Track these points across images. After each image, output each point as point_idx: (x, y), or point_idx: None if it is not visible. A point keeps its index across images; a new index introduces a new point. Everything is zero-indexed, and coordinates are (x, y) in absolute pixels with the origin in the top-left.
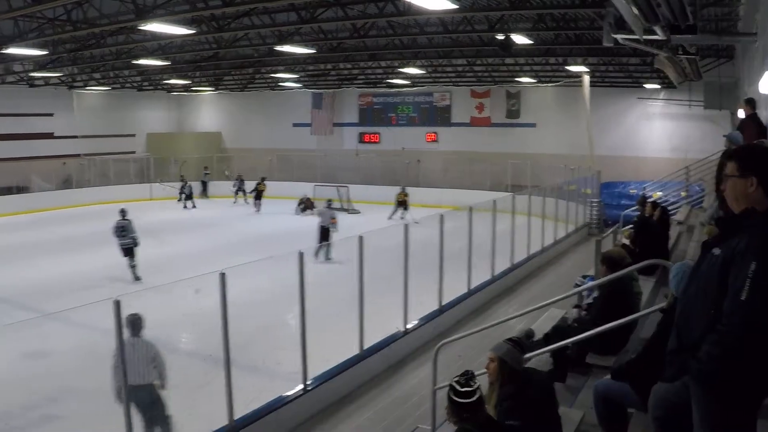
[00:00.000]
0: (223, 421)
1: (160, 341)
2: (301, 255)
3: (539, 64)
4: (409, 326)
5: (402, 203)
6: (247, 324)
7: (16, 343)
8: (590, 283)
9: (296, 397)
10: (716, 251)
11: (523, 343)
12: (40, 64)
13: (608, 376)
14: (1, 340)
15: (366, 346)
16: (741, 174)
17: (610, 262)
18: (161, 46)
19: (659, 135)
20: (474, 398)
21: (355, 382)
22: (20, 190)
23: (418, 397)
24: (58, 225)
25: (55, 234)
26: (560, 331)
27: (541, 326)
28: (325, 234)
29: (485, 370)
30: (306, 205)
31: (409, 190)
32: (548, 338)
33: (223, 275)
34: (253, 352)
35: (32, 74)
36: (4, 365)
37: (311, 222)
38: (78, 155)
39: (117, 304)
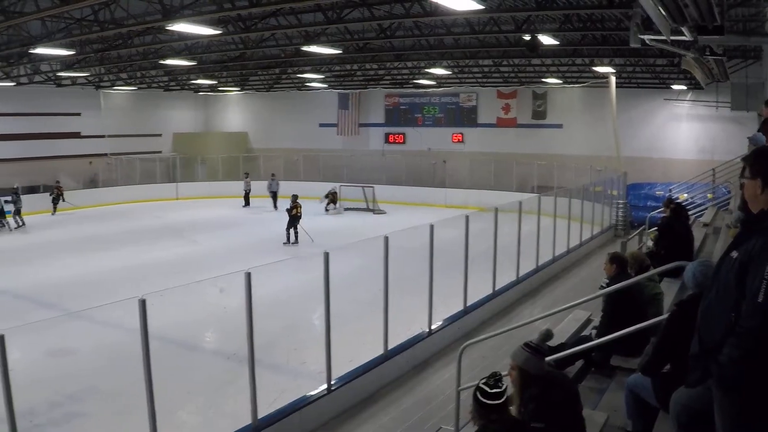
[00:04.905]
0: (247, 420)
1: (184, 340)
2: (326, 255)
3: (566, 65)
4: (433, 327)
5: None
6: (272, 323)
7: (41, 341)
8: (616, 286)
9: (320, 397)
10: (734, 254)
11: (542, 347)
12: (67, 64)
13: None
14: (26, 338)
15: (390, 346)
16: (751, 176)
17: (618, 260)
18: (188, 46)
19: (686, 136)
20: (502, 400)
21: (379, 382)
22: (47, 189)
23: (442, 397)
24: (83, 224)
25: (81, 232)
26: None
27: (566, 328)
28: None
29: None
30: (331, 198)
31: (435, 190)
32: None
33: (248, 275)
34: (278, 351)
35: (59, 74)
36: (28, 363)
37: (336, 221)
38: (105, 154)
39: (142, 303)
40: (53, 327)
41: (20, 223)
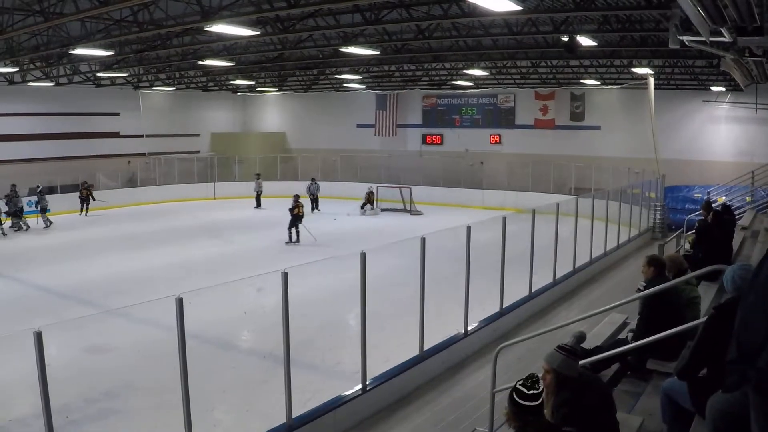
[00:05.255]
0: (281, 419)
1: (220, 339)
2: (362, 255)
3: (604, 66)
4: (469, 328)
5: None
6: (308, 323)
7: (79, 338)
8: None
9: (354, 397)
10: None
11: (576, 350)
12: (106, 64)
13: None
14: (64, 334)
15: (426, 347)
16: None
17: (656, 263)
18: (226, 47)
19: (724, 138)
20: (538, 401)
21: (413, 383)
22: (73, 188)
23: (476, 399)
24: (122, 222)
25: (119, 231)
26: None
27: (602, 331)
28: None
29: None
30: (367, 199)
31: (472, 192)
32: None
33: (285, 274)
34: (313, 351)
35: (99, 74)
36: (66, 359)
37: (373, 222)
38: (143, 154)
39: (179, 302)
40: (91, 324)
41: (48, 224)
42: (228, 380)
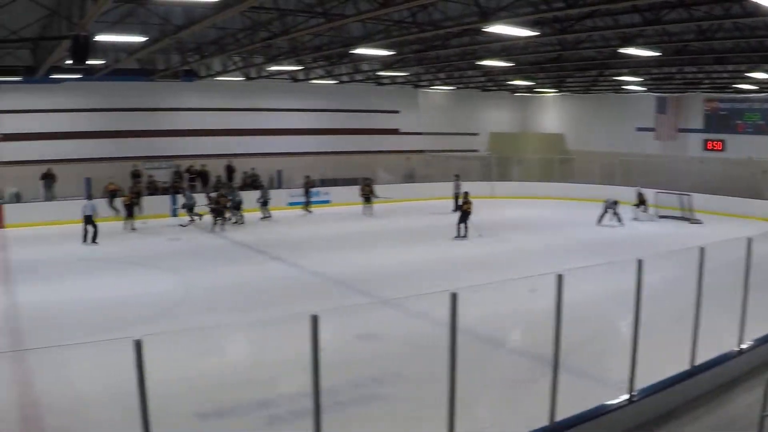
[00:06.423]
0: (543, 422)
1: (489, 336)
2: (639, 263)
3: None
4: (743, 346)
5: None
6: (578, 327)
7: (351, 325)
8: None
9: (620, 407)
10: None
11: None
12: (386, 63)
13: None
14: (338, 320)
15: (697, 362)
16: None
17: None
18: (505, 47)
19: None
20: None
21: (681, 398)
22: (363, 180)
23: (745, 421)
24: (398, 216)
25: (396, 224)
26: None
27: None
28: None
29: None
30: (639, 200)
31: (755, 202)
32: None
33: (560, 276)
34: (581, 355)
35: (379, 73)
36: (337, 344)
37: (649, 228)
38: (422, 151)
39: (453, 297)
40: (364, 312)
41: (267, 215)
42: (493, 377)
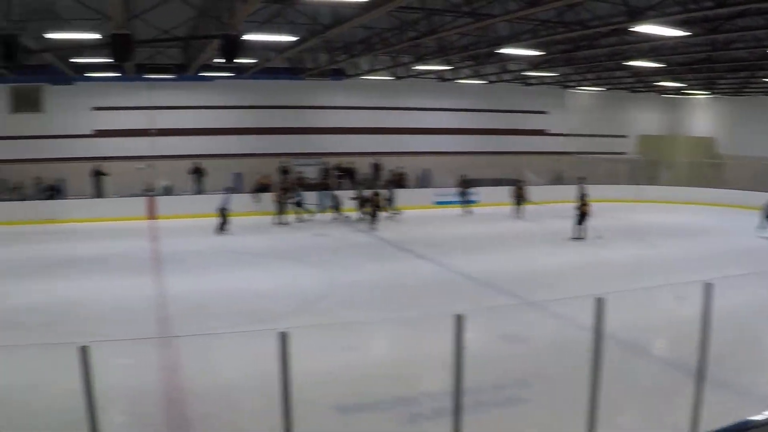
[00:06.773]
0: None
1: (633, 343)
2: None
3: None
4: None
5: None
6: (724, 337)
7: (496, 325)
8: None
9: (764, 424)
10: None
11: None
12: (533, 63)
13: None
14: (483, 320)
15: None
16: None
17: None
18: (654, 47)
19: None
20: None
21: None
22: (515, 182)
23: None
24: (546, 218)
25: (544, 226)
26: None
27: None
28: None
29: None
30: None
31: None
32: None
33: (708, 285)
34: (726, 367)
35: (526, 73)
36: (482, 344)
37: None
38: (569, 153)
39: (599, 302)
40: (510, 313)
41: (394, 213)
42: (635, 385)
